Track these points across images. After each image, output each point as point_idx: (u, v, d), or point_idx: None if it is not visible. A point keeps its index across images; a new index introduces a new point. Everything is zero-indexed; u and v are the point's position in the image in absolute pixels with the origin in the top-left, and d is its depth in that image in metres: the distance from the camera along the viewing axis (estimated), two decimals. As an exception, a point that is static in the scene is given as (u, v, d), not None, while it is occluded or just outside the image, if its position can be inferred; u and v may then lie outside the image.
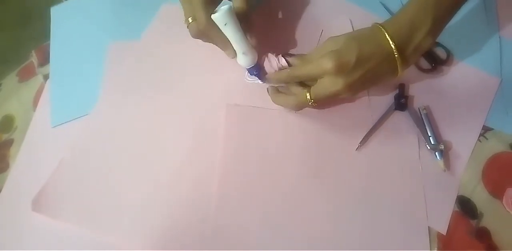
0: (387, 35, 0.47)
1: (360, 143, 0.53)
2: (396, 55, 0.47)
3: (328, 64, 0.45)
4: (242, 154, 0.53)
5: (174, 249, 0.48)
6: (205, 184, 0.51)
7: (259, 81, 0.56)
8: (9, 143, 0.60)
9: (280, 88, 0.54)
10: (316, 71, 0.47)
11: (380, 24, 0.48)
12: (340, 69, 0.46)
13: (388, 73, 0.49)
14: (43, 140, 0.57)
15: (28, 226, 0.52)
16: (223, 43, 0.52)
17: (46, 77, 0.63)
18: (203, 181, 0.51)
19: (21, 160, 0.57)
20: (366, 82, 0.48)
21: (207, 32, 0.51)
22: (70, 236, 0.50)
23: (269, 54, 0.53)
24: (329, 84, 0.47)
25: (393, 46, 0.46)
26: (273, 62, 0.53)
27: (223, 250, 0.48)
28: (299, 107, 0.52)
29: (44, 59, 0.65)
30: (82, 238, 0.50)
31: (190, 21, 0.52)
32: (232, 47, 0.52)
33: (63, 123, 0.57)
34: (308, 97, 0.49)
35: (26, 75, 0.66)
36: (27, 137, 0.59)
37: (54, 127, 0.57)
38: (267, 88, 0.55)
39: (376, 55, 0.47)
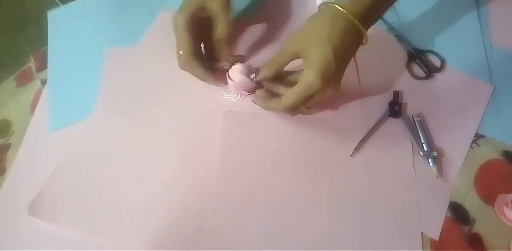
0: (337, 6, 0.47)
1: (354, 149, 0.54)
2: (353, 19, 0.47)
3: (316, 83, 0.46)
4: (238, 160, 0.53)
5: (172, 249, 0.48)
6: (201, 189, 0.52)
7: (234, 100, 0.57)
8: (6, 148, 0.60)
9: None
10: (308, 92, 0.48)
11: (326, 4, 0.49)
12: (328, 82, 0.47)
13: (356, 45, 0.50)
14: (40, 145, 0.58)
15: (25, 230, 0.52)
16: (203, 77, 0.56)
17: (43, 82, 0.63)
18: (200, 186, 0.52)
19: (18, 164, 0.57)
20: (343, 66, 0.49)
21: (189, 67, 0.55)
22: (67, 240, 0.50)
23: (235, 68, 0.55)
24: (320, 95, 0.49)
25: (344, 11, 0.47)
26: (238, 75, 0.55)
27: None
28: (290, 109, 0.52)
29: (42, 64, 0.65)
30: (79, 242, 0.50)
31: (181, 53, 0.54)
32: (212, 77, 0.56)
33: (60, 129, 0.58)
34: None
35: (24, 80, 0.66)
36: (24, 141, 0.59)
37: (53, 131, 0.58)
38: (252, 100, 0.56)
39: (342, 34, 0.47)
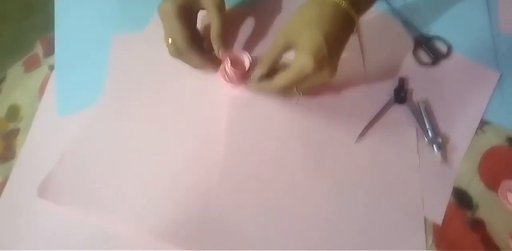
0: None
1: (359, 135, 0.54)
2: (341, 3, 0.47)
3: (308, 65, 0.46)
4: (244, 144, 0.54)
5: (180, 234, 0.49)
6: (209, 172, 0.52)
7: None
8: (15, 132, 0.61)
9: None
10: (300, 76, 0.47)
11: None
12: (320, 65, 0.46)
13: (348, 30, 0.49)
14: (49, 129, 0.58)
15: (34, 213, 0.53)
16: (199, 65, 0.56)
17: (51, 67, 0.63)
18: (208, 170, 0.53)
19: (27, 148, 0.58)
20: (336, 50, 0.48)
21: (185, 55, 0.54)
22: (75, 223, 0.51)
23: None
24: (314, 79, 0.48)
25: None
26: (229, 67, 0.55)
27: (226, 236, 0.49)
28: (282, 91, 0.52)
29: (49, 50, 0.65)
30: (87, 225, 0.51)
31: (170, 42, 0.53)
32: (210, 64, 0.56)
33: (70, 113, 0.58)
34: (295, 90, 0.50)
35: (32, 65, 0.67)
36: (33, 126, 0.60)
37: (61, 116, 0.58)
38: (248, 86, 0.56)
39: (331, 18, 0.47)
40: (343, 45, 0.49)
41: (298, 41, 0.47)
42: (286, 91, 0.52)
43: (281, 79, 0.49)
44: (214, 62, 0.56)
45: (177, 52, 0.54)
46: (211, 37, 0.55)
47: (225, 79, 0.56)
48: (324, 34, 0.46)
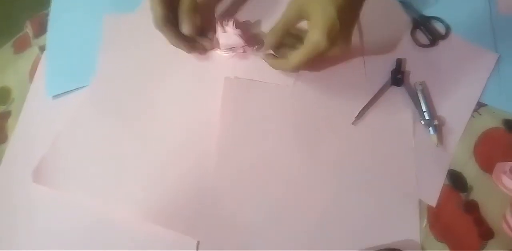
0: None
1: (356, 117, 0.54)
2: None
3: (322, 44, 0.46)
4: (239, 126, 0.53)
5: (174, 217, 0.49)
6: (204, 155, 0.52)
7: (226, 55, 0.57)
8: (6, 115, 0.60)
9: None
10: (313, 53, 0.47)
11: None
12: (333, 41, 0.46)
13: (360, 2, 0.49)
14: (41, 112, 0.58)
15: (27, 197, 0.52)
16: (175, 41, 0.53)
17: (42, 48, 0.62)
18: (203, 153, 0.52)
19: (19, 131, 0.58)
20: (349, 24, 0.48)
21: (162, 28, 0.52)
22: (69, 207, 0.51)
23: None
24: (328, 53, 0.48)
25: None
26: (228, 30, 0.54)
27: (222, 220, 0.49)
28: (297, 69, 0.52)
29: (39, 30, 0.64)
30: (82, 209, 0.51)
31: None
32: (184, 44, 0.54)
33: (61, 93, 0.57)
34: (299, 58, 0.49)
35: (22, 46, 0.65)
36: (25, 108, 0.59)
37: (54, 97, 0.57)
38: (262, 58, 0.55)
39: None
40: (354, 18, 0.49)
41: (311, 15, 0.46)
42: (300, 68, 0.52)
43: (295, 57, 0.49)
44: (187, 42, 0.54)
45: (156, 25, 0.52)
46: (179, 11, 0.53)
47: (218, 47, 0.56)
48: (338, 9, 0.45)
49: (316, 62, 0.50)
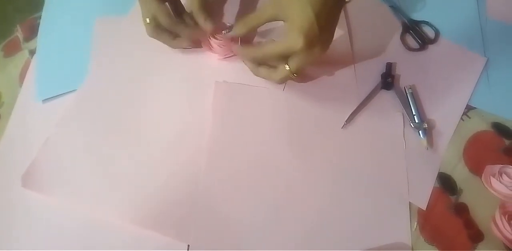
0: None
1: (346, 121, 0.54)
2: None
3: (298, 44, 0.45)
4: (230, 130, 0.53)
5: (167, 220, 0.49)
6: (194, 158, 0.52)
7: (218, 58, 0.58)
8: (-4, 119, 0.60)
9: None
10: (287, 51, 0.47)
11: None
12: (311, 43, 0.46)
13: (339, 4, 0.49)
14: (31, 116, 0.57)
15: (18, 200, 0.52)
16: (173, 44, 0.56)
17: (32, 52, 0.62)
18: (193, 156, 0.52)
19: (9, 135, 0.57)
20: (328, 26, 0.48)
21: (157, 38, 0.54)
22: (61, 211, 0.50)
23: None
24: (306, 56, 0.47)
25: None
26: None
27: (214, 221, 0.49)
28: (282, 80, 0.52)
29: (30, 34, 0.63)
30: (73, 213, 0.50)
31: (148, 21, 0.53)
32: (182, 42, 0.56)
33: (51, 97, 0.57)
34: (288, 68, 0.49)
35: (12, 50, 0.65)
36: (14, 112, 0.58)
37: (44, 101, 0.57)
38: (243, 61, 0.55)
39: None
40: (333, 20, 0.49)
41: (288, 15, 0.46)
42: (284, 78, 0.51)
43: (268, 48, 0.49)
44: (199, 34, 0.56)
45: (154, 32, 0.54)
46: (192, 11, 0.54)
47: (211, 49, 0.56)
48: (316, 11, 0.45)
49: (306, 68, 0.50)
